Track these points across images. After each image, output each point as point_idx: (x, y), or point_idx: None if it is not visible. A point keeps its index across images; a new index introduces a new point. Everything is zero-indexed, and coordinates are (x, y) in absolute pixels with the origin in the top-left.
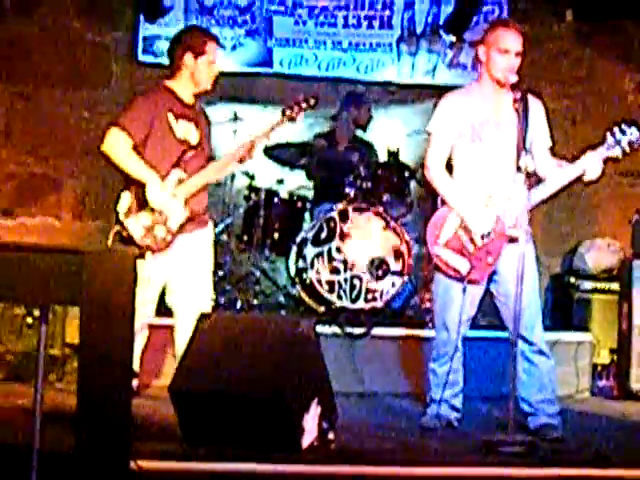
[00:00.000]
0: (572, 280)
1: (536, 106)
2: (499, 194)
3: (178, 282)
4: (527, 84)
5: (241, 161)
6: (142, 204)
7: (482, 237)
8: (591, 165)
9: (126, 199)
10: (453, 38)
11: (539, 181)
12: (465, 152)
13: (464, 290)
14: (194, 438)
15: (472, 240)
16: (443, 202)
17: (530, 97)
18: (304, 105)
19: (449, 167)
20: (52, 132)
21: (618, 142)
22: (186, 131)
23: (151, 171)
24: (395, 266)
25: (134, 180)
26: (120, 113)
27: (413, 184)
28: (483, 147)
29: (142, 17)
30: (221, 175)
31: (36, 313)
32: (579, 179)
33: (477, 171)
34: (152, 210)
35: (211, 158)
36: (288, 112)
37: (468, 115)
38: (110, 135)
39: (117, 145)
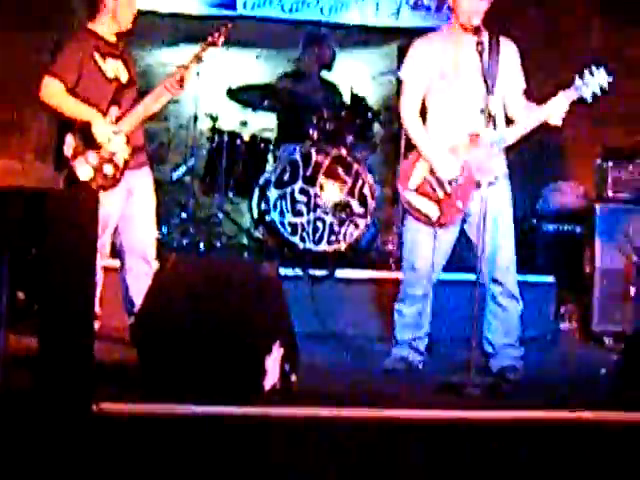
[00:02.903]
0: (536, 222)
1: (507, 49)
2: (468, 138)
3: (124, 220)
4: (497, 26)
5: (173, 91)
6: (87, 144)
7: (450, 183)
8: (558, 108)
9: (70, 142)
10: None
11: (508, 123)
12: (436, 97)
13: (435, 235)
14: (155, 380)
15: (441, 185)
16: (408, 146)
17: (502, 39)
18: (223, 30)
19: (423, 113)
20: (14, 75)
21: (586, 84)
22: (115, 69)
23: (92, 109)
24: (358, 208)
25: (75, 122)
26: (50, 61)
27: (377, 126)
28: (453, 92)
29: None
30: (156, 107)
31: None
32: (544, 124)
33: (448, 116)
34: (98, 148)
35: (142, 92)
36: (209, 39)
37: (438, 60)
38: (44, 84)
39: (52, 91)
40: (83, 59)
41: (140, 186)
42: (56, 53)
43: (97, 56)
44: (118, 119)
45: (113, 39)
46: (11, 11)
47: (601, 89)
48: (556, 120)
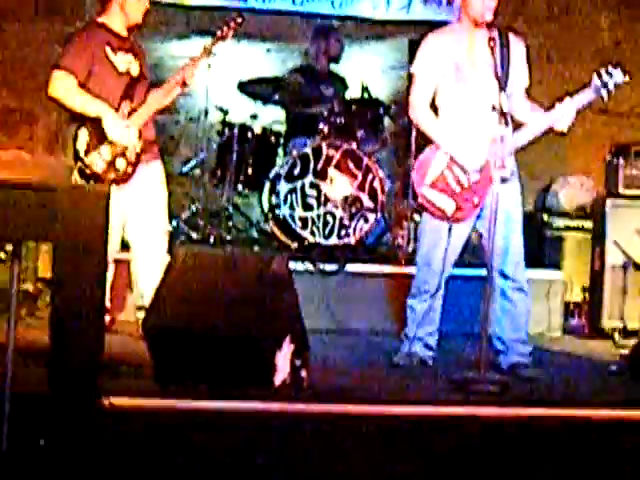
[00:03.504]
0: (545, 218)
1: (517, 45)
2: (483, 134)
3: (136, 214)
4: (504, 22)
5: (184, 84)
6: (100, 139)
7: (469, 176)
8: (567, 113)
9: (83, 136)
10: None
11: (519, 125)
12: (449, 92)
13: (450, 230)
14: (166, 375)
15: (458, 180)
16: (425, 141)
17: (511, 36)
18: (232, 24)
19: (434, 108)
20: (25, 66)
21: (605, 85)
22: (126, 63)
23: (104, 104)
24: (368, 203)
25: (88, 116)
26: (60, 54)
27: (387, 120)
28: (466, 87)
29: None
30: (167, 100)
31: (8, 248)
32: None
33: (461, 111)
34: (110, 143)
35: (153, 85)
36: (219, 33)
37: (450, 55)
38: (54, 78)
39: (63, 86)
40: (94, 53)
41: (151, 179)
42: (66, 47)
43: (108, 50)
44: (130, 113)
45: (124, 33)
46: (21, 2)
47: (616, 87)
48: (563, 125)
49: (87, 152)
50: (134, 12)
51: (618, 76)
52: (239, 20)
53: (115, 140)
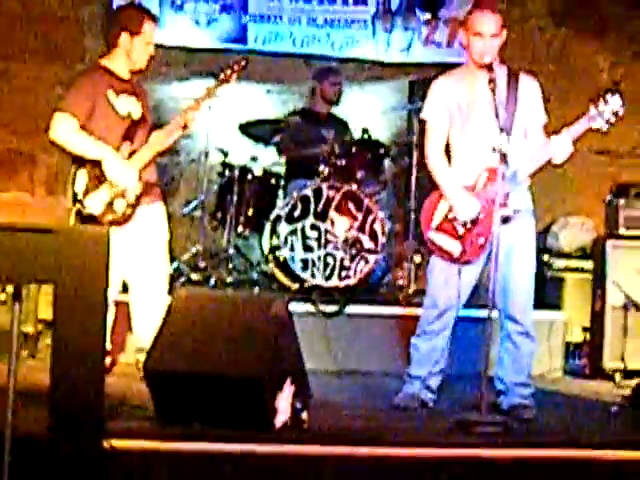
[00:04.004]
0: (545, 258)
1: (528, 84)
2: (485, 174)
3: (137, 256)
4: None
5: (185, 127)
6: (99, 180)
7: (470, 220)
8: (563, 144)
9: (82, 178)
10: (428, 15)
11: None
12: (457, 135)
13: (459, 272)
14: (167, 417)
15: (462, 223)
16: (427, 182)
17: (522, 75)
18: (236, 67)
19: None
20: (26, 107)
21: (601, 113)
22: (128, 105)
23: (104, 145)
24: (369, 244)
25: (88, 158)
26: (61, 97)
27: (387, 162)
28: (469, 129)
29: None
30: (168, 142)
31: (9, 290)
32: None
33: (466, 153)
34: (110, 185)
35: (154, 127)
36: (222, 76)
37: (457, 98)
38: (55, 120)
39: (64, 128)
40: (96, 96)
41: (153, 221)
42: (69, 89)
43: (110, 93)
44: (130, 155)
45: (127, 76)
46: (25, 44)
47: (615, 116)
48: (560, 158)
49: (85, 194)
50: (139, 57)
51: (615, 103)
52: (243, 63)
53: (114, 181)
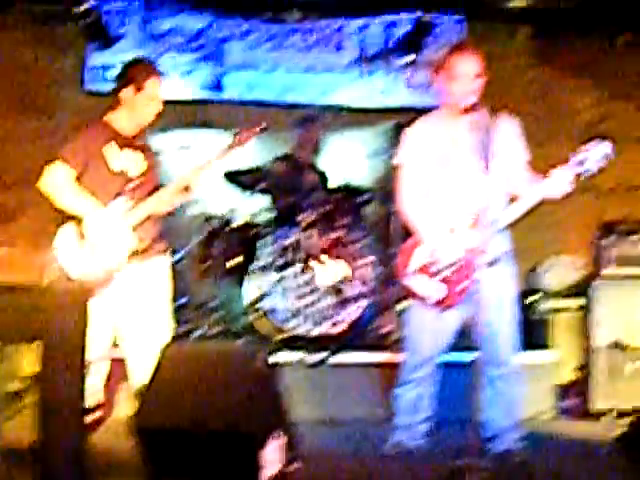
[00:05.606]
0: (533, 298)
1: (505, 124)
2: (466, 219)
3: (130, 314)
4: (484, 103)
5: (186, 190)
6: (82, 238)
7: (451, 265)
8: (558, 183)
9: (65, 235)
10: (408, 59)
11: (510, 200)
12: (436, 179)
13: (438, 318)
14: (156, 472)
15: (442, 269)
16: (399, 228)
17: (500, 115)
18: (245, 134)
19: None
20: (9, 160)
21: (581, 162)
22: (128, 161)
23: (90, 203)
24: (355, 290)
25: (72, 214)
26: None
27: (372, 206)
28: (451, 173)
29: (91, 46)
30: (169, 207)
31: None
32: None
33: (447, 197)
34: (92, 244)
35: (159, 187)
36: (236, 139)
37: (435, 142)
38: (47, 171)
39: (54, 180)
40: (91, 151)
41: (149, 277)
42: (66, 144)
43: (109, 148)
44: (125, 211)
45: (132, 131)
46: (9, 98)
47: (604, 160)
48: (557, 192)
49: (66, 252)
50: (144, 113)
51: (604, 149)
52: (258, 129)
53: (95, 240)
